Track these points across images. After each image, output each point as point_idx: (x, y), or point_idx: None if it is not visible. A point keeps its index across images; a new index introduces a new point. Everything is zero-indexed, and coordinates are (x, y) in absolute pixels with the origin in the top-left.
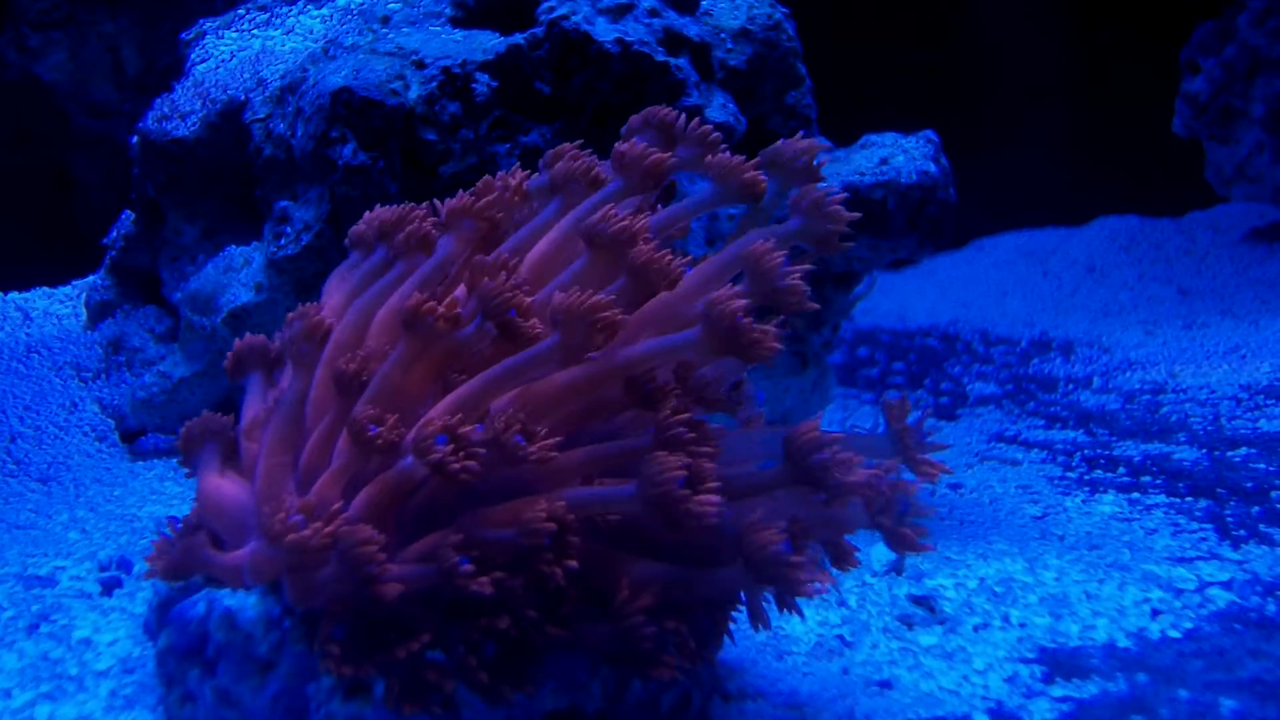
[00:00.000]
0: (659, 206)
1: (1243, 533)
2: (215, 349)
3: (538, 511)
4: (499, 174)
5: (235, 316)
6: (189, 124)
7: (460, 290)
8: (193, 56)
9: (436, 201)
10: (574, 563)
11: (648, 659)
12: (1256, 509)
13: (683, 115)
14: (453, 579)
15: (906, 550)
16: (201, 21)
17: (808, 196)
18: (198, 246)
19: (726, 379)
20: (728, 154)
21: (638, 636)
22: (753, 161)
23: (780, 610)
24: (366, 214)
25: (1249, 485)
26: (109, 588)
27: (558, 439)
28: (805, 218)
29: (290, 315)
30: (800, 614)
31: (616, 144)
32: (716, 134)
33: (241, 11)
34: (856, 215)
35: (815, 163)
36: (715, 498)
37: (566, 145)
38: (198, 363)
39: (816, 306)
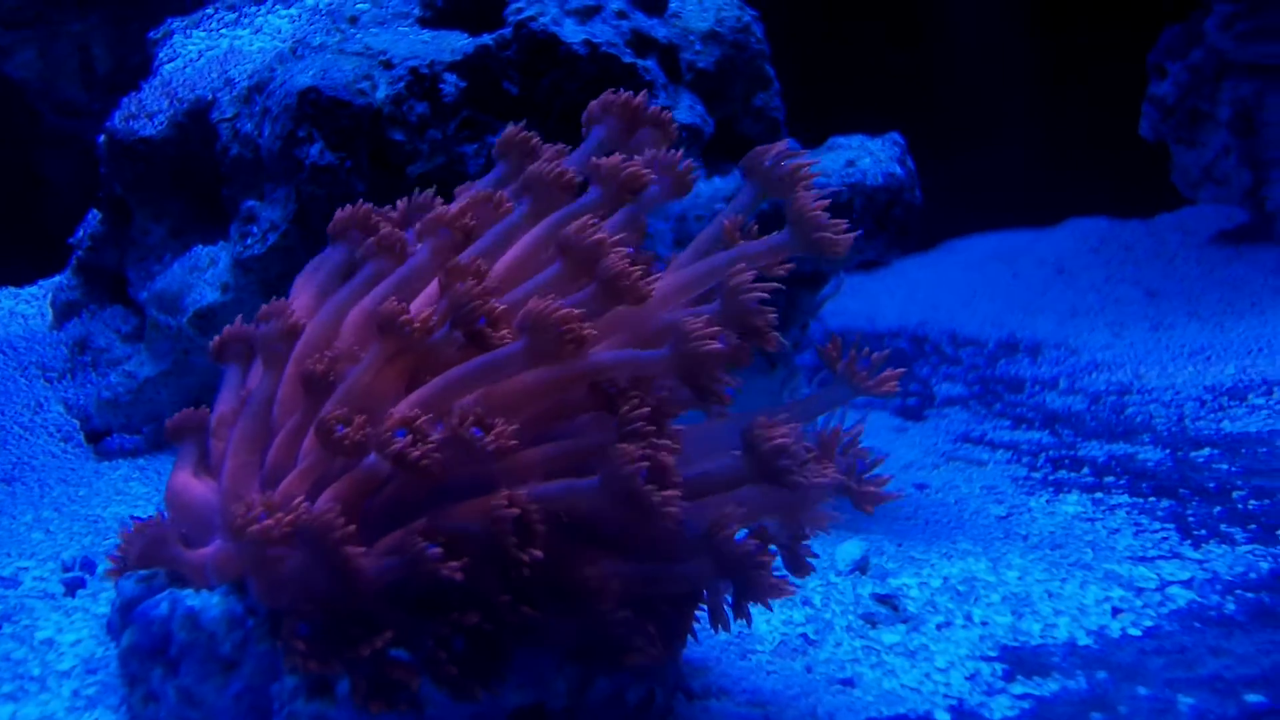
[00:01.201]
0: None
1: (1204, 532)
2: (181, 349)
3: (500, 499)
4: (483, 194)
5: (201, 316)
6: (156, 123)
7: (433, 289)
8: (160, 56)
9: (401, 201)
10: (539, 551)
11: (618, 646)
12: (1218, 509)
13: (644, 93)
14: (421, 565)
15: (874, 505)
16: (169, 21)
17: (796, 207)
18: (164, 246)
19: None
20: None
21: (607, 623)
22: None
23: (737, 616)
24: (341, 211)
25: (1211, 485)
26: (72, 588)
27: (514, 428)
28: (794, 227)
29: (264, 310)
30: (768, 606)
31: (594, 157)
32: (668, 113)
33: (210, 11)
34: (845, 224)
35: (790, 165)
36: (677, 492)
37: (515, 130)
38: (164, 362)
39: (786, 345)
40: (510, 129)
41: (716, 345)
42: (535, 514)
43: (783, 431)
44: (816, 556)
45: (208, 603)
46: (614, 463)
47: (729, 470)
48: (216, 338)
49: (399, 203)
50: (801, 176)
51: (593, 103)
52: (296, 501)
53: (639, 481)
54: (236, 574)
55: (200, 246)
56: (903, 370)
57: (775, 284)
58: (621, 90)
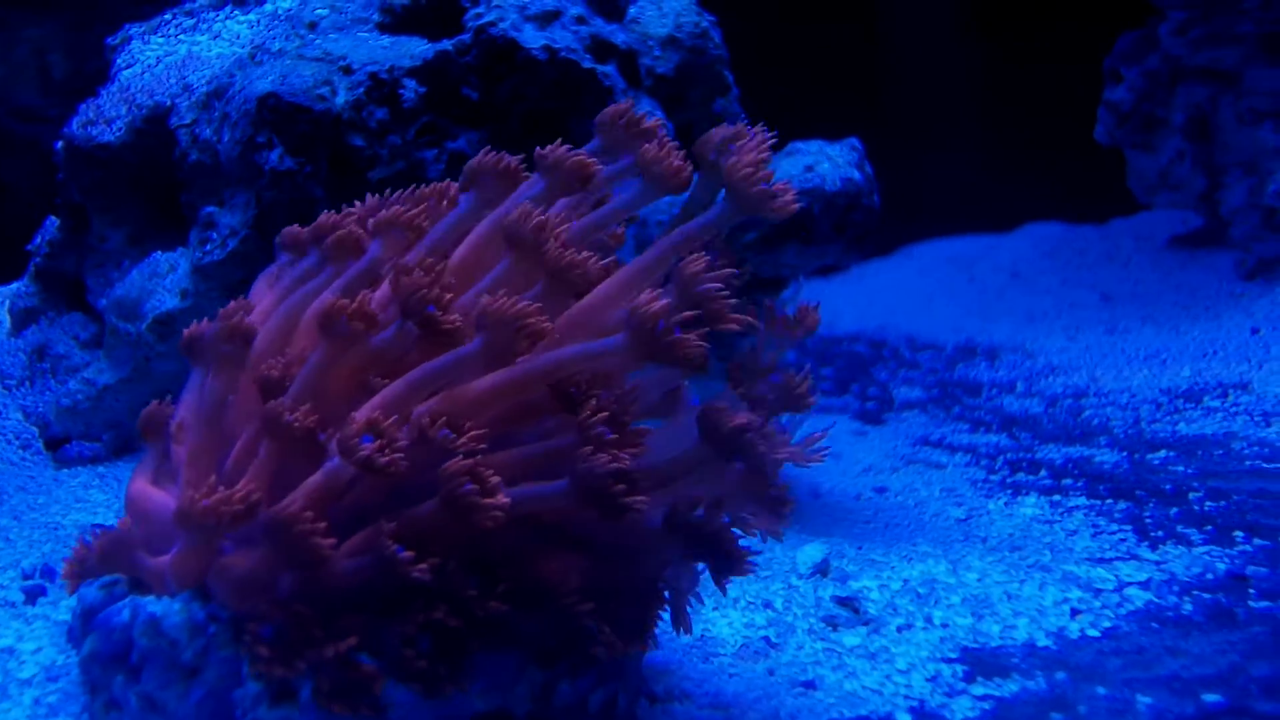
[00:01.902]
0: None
1: (1160, 534)
2: (141, 355)
3: (451, 465)
4: (433, 186)
5: (161, 323)
6: (114, 129)
7: (381, 291)
8: (118, 62)
9: (357, 201)
10: (505, 498)
11: (585, 637)
12: (1174, 510)
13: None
14: (391, 567)
15: (812, 461)
16: (128, 27)
17: (732, 171)
18: (123, 252)
19: (660, 386)
20: (654, 145)
21: (573, 615)
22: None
23: (695, 613)
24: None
25: (1167, 487)
26: (33, 596)
27: (484, 431)
28: (733, 192)
29: (225, 311)
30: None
31: (538, 147)
32: (650, 119)
33: (168, 17)
34: (772, 172)
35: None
36: (645, 497)
37: (492, 155)
38: (123, 369)
39: (745, 320)
40: (480, 155)
41: (666, 302)
42: (487, 477)
43: (739, 412)
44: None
45: (169, 609)
46: (582, 464)
47: (690, 456)
48: (186, 333)
49: (357, 204)
50: (739, 155)
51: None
52: (251, 488)
53: (608, 481)
54: (197, 579)
55: (159, 253)
56: (818, 304)
57: (730, 270)
58: (581, 97)
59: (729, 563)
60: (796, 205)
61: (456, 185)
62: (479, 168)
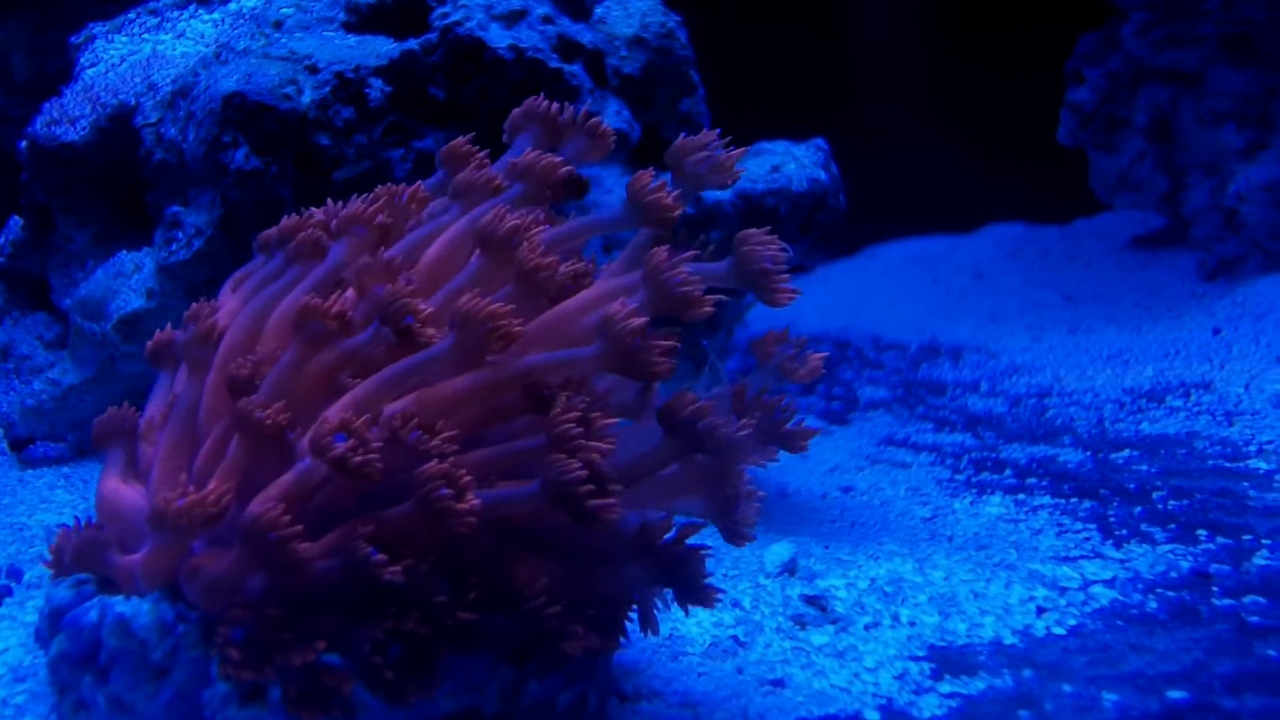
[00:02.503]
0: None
1: (1125, 532)
2: (106, 356)
3: (428, 469)
4: (399, 185)
5: (126, 323)
6: (79, 129)
7: (350, 291)
8: (82, 61)
9: (330, 201)
10: (476, 499)
11: (555, 636)
12: (1138, 509)
13: (568, 108)
14: (364, 569)
15: (804, 442)
16: (91, 25)
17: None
18: (88, 252)
19: (631, 386)
20: (649, 176)
21: (543, 616)
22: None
23: (664, 613)
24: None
25: (1131, 486)
26: None
27: (456, 433)
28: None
29: (186, 315)
30: (707, 604)
31: (508, 155)
32: (605, 125)
33: (132, 16)
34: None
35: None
36: (615, 501)
37: (461, 141)
38: (88, 369)
39: (712, 309)
40: (470, 170)
41: (641, 319)
42: (463, 478)
43: (695, 398)
44: (754, 527)
45: (138, 609)
46: (553, 468)
47: (656, 454)
48: (150, 342)
49: (326, 205)
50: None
51: (515, 111)
52: (223, 489)
53: (578, 486)
54: (167, 579)
55: (124, 253)
56: (825, 354)
57: (693, 252)
58: (543, 98)
59: (694, 595)
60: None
61: (421, 187)
62: (469, 184)
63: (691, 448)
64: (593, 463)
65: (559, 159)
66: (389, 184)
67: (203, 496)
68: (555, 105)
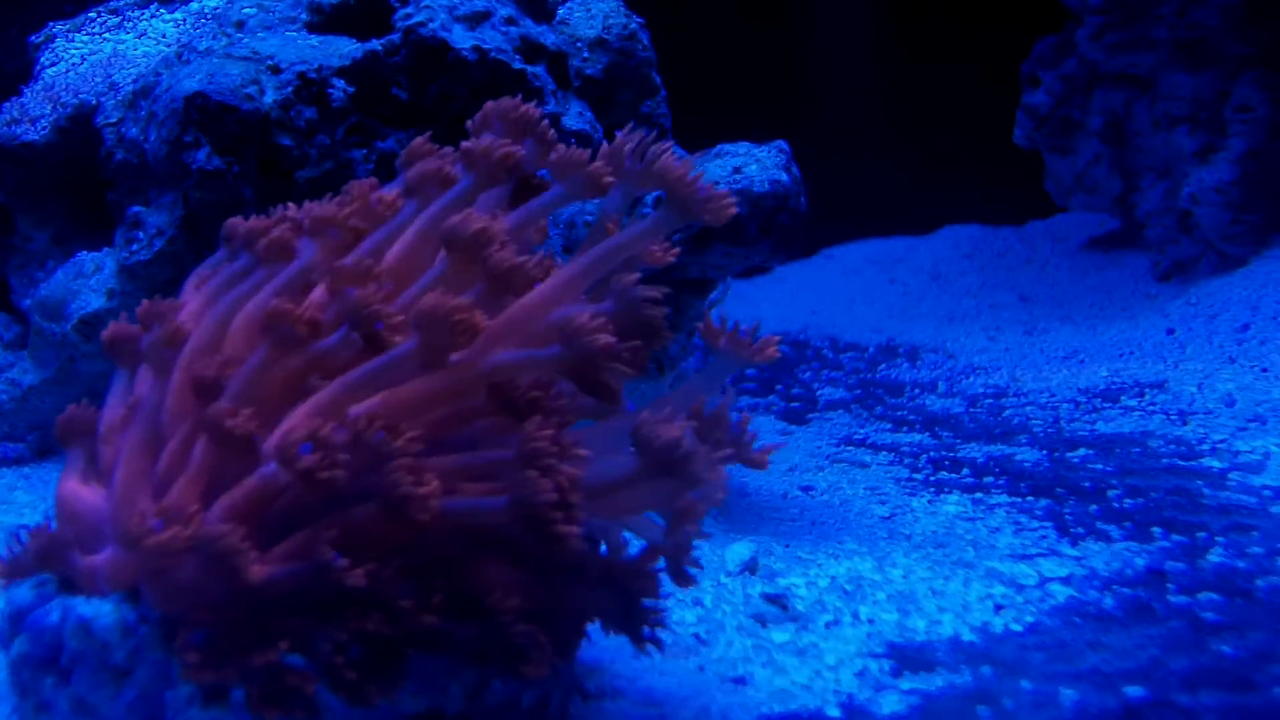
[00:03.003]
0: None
1: (1081, 530)
2: (66, 356)
3: (397, 465)
4: (369, 185)
5: (86, 323)
6: (39, 128)
7: (319, 294)
8: (42, 60)
9: (292, 204)
10: (436, 482)
11: (518, 655)
12: (1094, 507)
13: (533, 106)
14: (327, 574)
15: (758, 466)
16: (51, 25)
17: (668, 174)
18: (48, 253)
19: None
20: (573, 149)
21: (509, 633)
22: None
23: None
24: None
25: (1087, 485)
26: None
27: (420, 433)
28: (674, 197)
29: (142, 312)
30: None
31: (464, 141)
32: (545, 122)
33: (92, 15)
34: (727, 194)
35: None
36: (577, 529)
37: (420, 141)
38: (48, 370)
39: (674, 350)
40: (420, 163)
41: (608, 339)
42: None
43: (671, 426)
44: (700, 567)
45: (100, 610)
46: (524, 487)
47: (624, 470)
48: (106, 334)
49: (288, 207)
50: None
51: (487, 105)
52: (192, 510)
53: (546, 510)
54: (129, 582)
55: (85, 253)
56: (779, 337)
57: (664, 288)
58: (519, 98)
59: (644, 640)
60: (735, 210)
61: (396, 190)
62: (421, 177)
63: (663, 473)
64: (563, 487)
65: (514, 145)
66: (362, 179)
67: (177, 533)
68: (520, 103)
